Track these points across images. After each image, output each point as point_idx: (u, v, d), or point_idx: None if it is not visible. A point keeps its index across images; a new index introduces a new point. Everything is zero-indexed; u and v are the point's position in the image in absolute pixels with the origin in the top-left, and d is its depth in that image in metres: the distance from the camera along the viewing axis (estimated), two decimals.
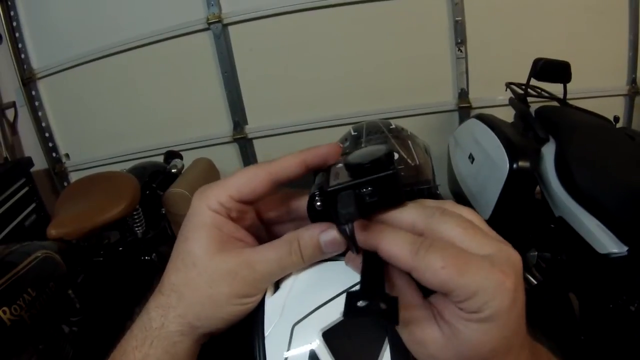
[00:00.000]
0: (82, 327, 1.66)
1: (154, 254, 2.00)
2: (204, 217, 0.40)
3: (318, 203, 0.39)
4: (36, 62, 3.03)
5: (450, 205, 0.39)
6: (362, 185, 0.36)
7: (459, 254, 0.33)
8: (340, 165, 0.40)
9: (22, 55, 3.00)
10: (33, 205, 2.69)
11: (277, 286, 0.42)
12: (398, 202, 0.37)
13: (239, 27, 2.87)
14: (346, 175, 0.38)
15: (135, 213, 1.97)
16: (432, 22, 2.92)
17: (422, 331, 0.36)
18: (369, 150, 0.38)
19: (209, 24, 2.82)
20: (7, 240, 2.30)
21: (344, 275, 0.40)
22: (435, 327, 0.35)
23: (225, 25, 2.85)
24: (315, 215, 0.39)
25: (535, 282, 1.82)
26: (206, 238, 0.39)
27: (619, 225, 1.44)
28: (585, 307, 1.59)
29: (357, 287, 0.37)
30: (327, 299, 0.39)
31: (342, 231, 0.35)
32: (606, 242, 1.44)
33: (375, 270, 0.36)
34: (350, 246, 0.36)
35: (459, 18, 2.87)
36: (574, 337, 1.60)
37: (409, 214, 0.37)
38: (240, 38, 2.90)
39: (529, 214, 1.79)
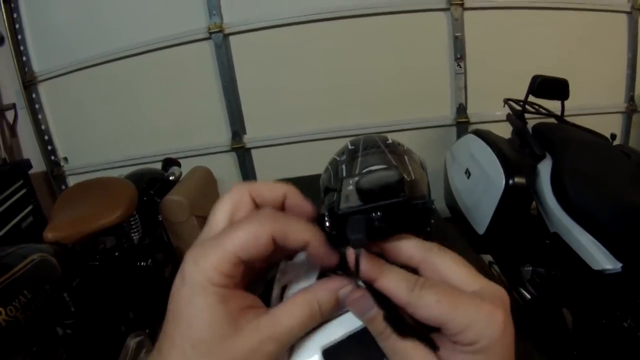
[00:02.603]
0: (76, 330, 1.66)
1: (149, 261, 2.00)
2: (207, 297, 0.35)
3: (327, 224, 0.39)
4: (37, 65, 3.04)
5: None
6: (372, 210, 0.36)
7: (451, 290, 0.35)
8: (350, 187, 0.40)
9: (24, 58, 3.01)
10: (30, 208, 2.69)
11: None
12: (407, 228, 0.38)
13: (240, 37, 2.89)
14: (357, 199, 0.38)
15: (132, 219, 1.98)
16: (432, 37, 2.94)
17: None
18: (380, 175, 0.38)
19: (210, 33, 2.84)
20: (3, 241, 2.30)
21: None
22: None
23: (227, 35, 2.87)
24: None
25: (529, 297, 1.82)
26: (217, 321, 0.35)
27: (614, 242, 1.44)
28: (578, 323, 1.60)
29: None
30: (330, 317, 0.39)
31: (346, 257, 0.36)
32: (600, 258, 1.44)
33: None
34: (353, 273, 0.36)
35: (459, 34, 2.89)
36: (567, 352, 1.60)
37: (409, 245, 0.38)
38: (241, 48, 2.92)
39: (524, 230, 1.80)
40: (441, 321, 0.34)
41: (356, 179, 0.39)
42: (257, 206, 0.40)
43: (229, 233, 0.36)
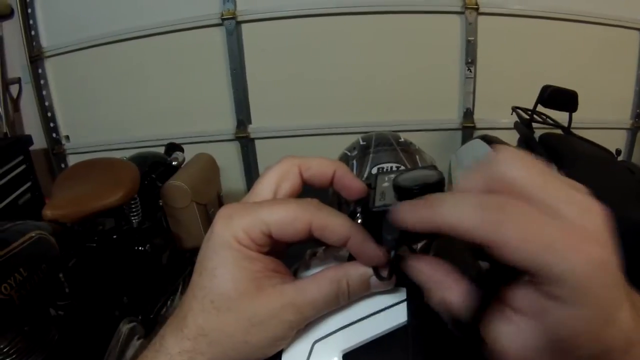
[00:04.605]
0: (69, 311, 1.65)
1: (147, 245, 1.98)
2: (234, 252, 0.35)
3: (359, 221, 0.37)
4: (45, 40, 3.01)
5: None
6: None
7: (542, 220, 0.26)
8: (386, 184, 0.39)
9: (32, 32, 2.98)
10: (28, 184, 2.67)
11: None
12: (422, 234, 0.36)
13: (252, 25, 2.87)
14: (393, 197, 0.36)
15: (132, 202, 1.96)
16: (444, 39, 2.93)
17: (493, 332, 0.29)
18: (420, 174, 0.36)
19: (223, 19, 2.82)
20: (0, 217, 2.29)
21: (374, 297, 0.39)
22: (506, 321, 0.29)
23: (239, 23, 2.85)
24: None
25: None
26: (240, 277, 0.35)
27: None
28: None
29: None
30: (353, 320, 0.38)
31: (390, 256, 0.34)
32: None
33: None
34: (382, 272, 0.35)
35: (472, 38, 2.88)
36: None
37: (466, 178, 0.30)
38: (252, 37, 2.90)
39: None
40: (528, 267, 0.26)
41: (392, 175, 0.38)
42: (304, 180, 0.39)
43: (270, 205, 0.36)
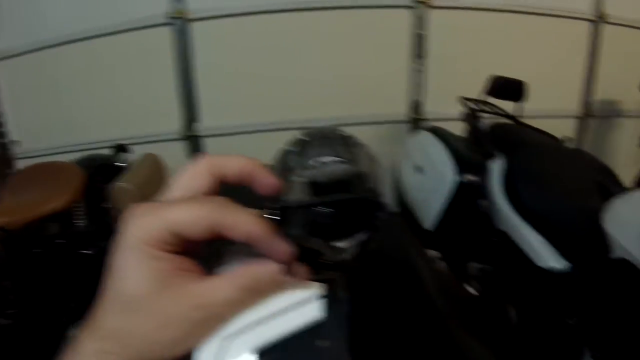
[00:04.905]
0: (16, 319, 1.61)
1: (94, 249, 1.96)
2: (142, 252, 0.35)
3: (271, 216, 0.37)
4: None
5: None
6: (320, 204, 0.35)
7: None
8: (302, 179, 0.39)
9: None
10: None
11: None
12: (354, 223, 0.36)
13: (200, 24, 2.85)
14: (307, 192, 0.36)
15: (78, 205, 1.93)
16: (394, 33, 2.96)
17: None
18: (334, 169, 0.36)
19: (172, 18, 2.79)
20: None
21: (289, 293, 0.38)
22: None
23: (188, 21, 2.83)
24: None
25: (475, 293, 1.84)
26: (149, 277, 0.35)
27: (564, 243, 1.47)
28: (523, 319, 1.62)
29: None
30: (267, 315, 0.37)
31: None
32: (549, 257, 1.47)
33: None
34: (293, 268, 0.36)
35: (421, 32, 2.91)
36: (511, 349, 1.62)
37: None
38: (200, 35, 2.88)
39: (472, 226, 1.81)
40: None
41: (307, 171, 0.38)
42: (220, 179, 0.39)
43: (177, 205, 0.36)
